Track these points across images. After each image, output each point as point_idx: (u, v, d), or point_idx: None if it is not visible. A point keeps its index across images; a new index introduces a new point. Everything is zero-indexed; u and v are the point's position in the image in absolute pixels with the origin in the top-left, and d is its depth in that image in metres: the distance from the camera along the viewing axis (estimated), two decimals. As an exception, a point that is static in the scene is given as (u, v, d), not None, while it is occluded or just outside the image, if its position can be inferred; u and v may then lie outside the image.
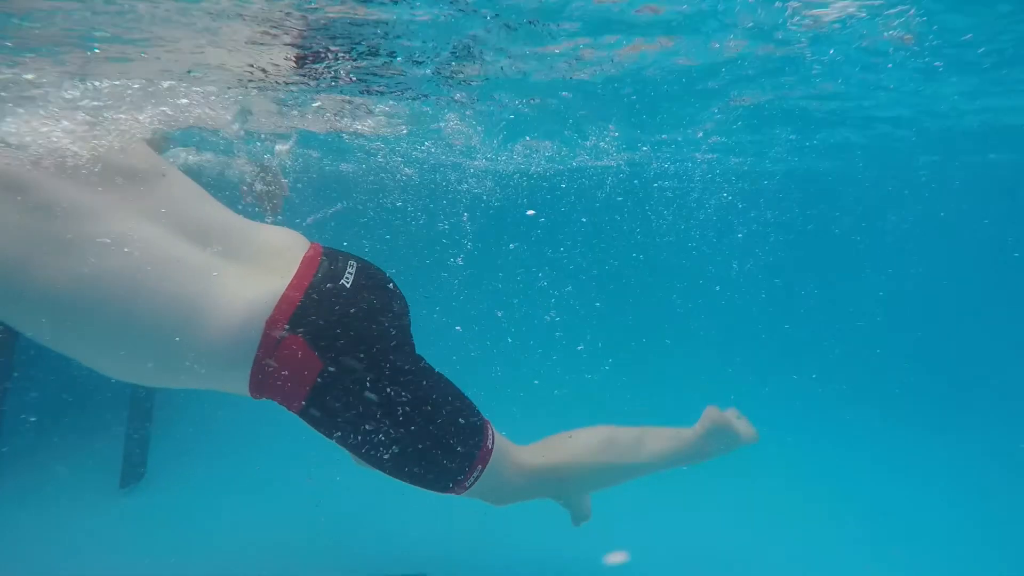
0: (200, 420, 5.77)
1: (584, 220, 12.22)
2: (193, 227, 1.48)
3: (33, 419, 4.95)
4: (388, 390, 1.56)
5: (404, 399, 1.58)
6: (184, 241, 1.45)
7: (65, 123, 2.10)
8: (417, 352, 1.76)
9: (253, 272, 1.50)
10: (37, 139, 1.44)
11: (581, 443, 2.04)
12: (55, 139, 1.45)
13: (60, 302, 1.28)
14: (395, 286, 1.78)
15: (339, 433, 1.56)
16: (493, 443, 1.80)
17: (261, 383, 1.48)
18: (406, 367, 1.62)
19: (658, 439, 2.17)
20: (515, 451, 1.91)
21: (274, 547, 3.74)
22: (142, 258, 1.34)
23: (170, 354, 1.40)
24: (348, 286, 1.56)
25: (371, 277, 1.67)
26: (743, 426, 2.39)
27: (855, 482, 5.32)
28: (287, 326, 1.43)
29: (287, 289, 1.47)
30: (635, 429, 2.13)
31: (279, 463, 4.94)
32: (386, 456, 1.61)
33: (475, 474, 1.74)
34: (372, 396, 1.53)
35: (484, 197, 8.42)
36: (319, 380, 1.46)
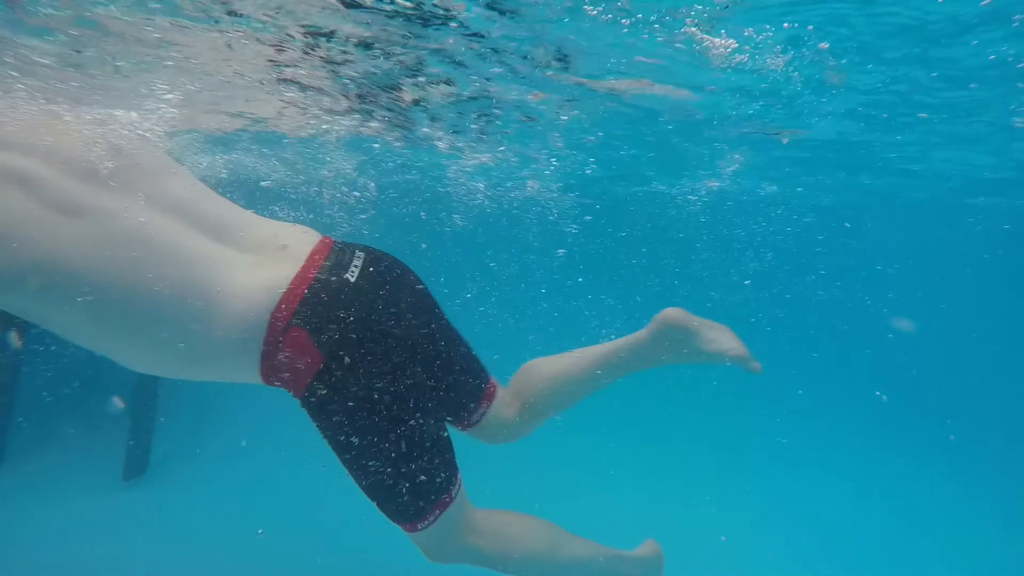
0: (203, 417, 5.84)
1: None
2: (205, 221, 1.53)
3: (41, 411, 5.02)
4: (381, 394, 1.52)
5: (393, 411, 1.54)
6: (197, 234, 1.49)
7: (90, 123, 2.19)
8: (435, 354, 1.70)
9: (262, 264, 1.52)
10: (60, 138, 1.47)
11: (530, 533, 1.95)
12: (77, 139, 1.49)
13: (83, 295, 1.32)
14: (408, 277, 1.73)
15: (329, 430, 1.56)
16: (456, 493, 1.75)
17: (269, 373, 1.50)
18: (404, 374, 1.57)
19: (600, 555, 2.06)
20: (470, 509, 1.86)
21: (267, 545, 3.79)
22: (157, 250, 1.39)
23: (183, 343, 1.43)
24: (352, 280, 1.55)
25: (379, 269, 1.64)
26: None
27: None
28: (291, 319, 1.45)
29: (292, 281, 1.49)
30: (581, 542, 2.03)
31: (280, 462, 4.99)
32: (362, 467, 1.58)
33: (432, 517, 1.69)
34: (363, 398, 1.50)
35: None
36: (317, 375, 1.47)
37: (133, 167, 1.49)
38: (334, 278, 1.53)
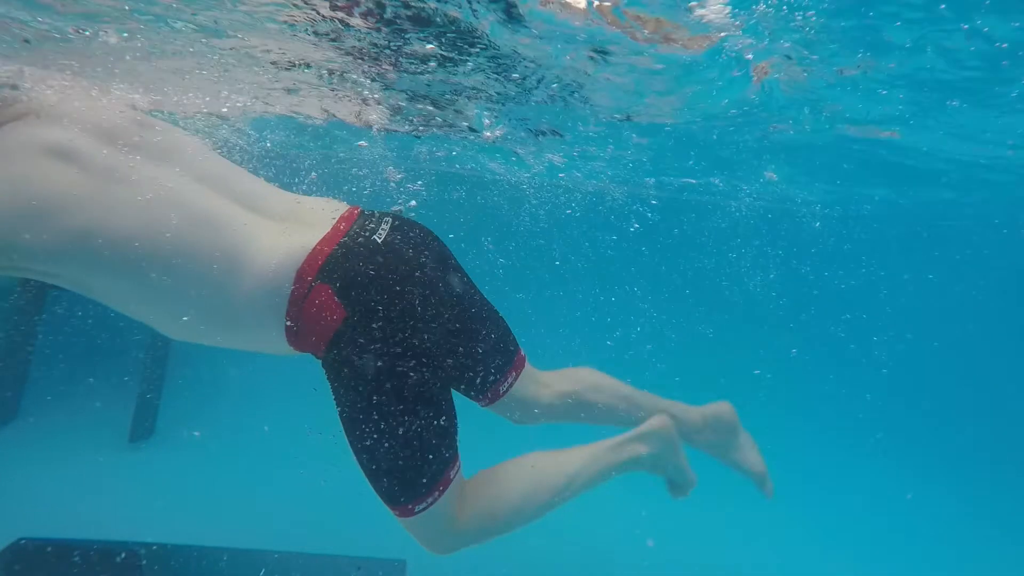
0: (211, 385, 6.01)
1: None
2: (237, 192, 1.62)
3: (55, 371, 5.22)
4: (401, 355, 1.52)
5: (411, 374, 1.55)
6: (230, 203, 1.58)
7: (136, 101, 2.31)
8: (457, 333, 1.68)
9: (291, 229, 1.59)
10: (111, 116, 1.59)
11: (516, 479, 1.84)
12: (116, 114, 1.61)
13: (124, 259, 1.41)
14: (435, 242, 1.75)
15: (344, 391, 1.55)
16: (455, 475, 1.68)
17: (295, 333, 1.53)
18: (426, 334, 1.58)
19: (594, 452, 1.93)
20: (463, 493, 1.76)
21: (265, 513, 3.95)
22: (193, 215, 1.48)
23: (217, 302, 1.49)
24: (379, 241, 1.59)
25: (406, 231, 1.68)
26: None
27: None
28: (316, 276, 1.50)
29: (319, 242, 1.54)
30: (569, 454, 1.91)
31: (283, 433, 5.14)
32: (369, 435, 1.56)
33: (431, 499, 1.62)
34: (383, 356, 1.51)
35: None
36: (338, 330, 1.50)
37: (167, 141, 1.60)
38: (360, 239, 1.58)
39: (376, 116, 3.75)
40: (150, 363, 4.86)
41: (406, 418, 1.55)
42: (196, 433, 4.97)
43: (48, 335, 5.00)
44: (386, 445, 1.56)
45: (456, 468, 1.71)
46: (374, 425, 1.55)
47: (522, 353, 1.98)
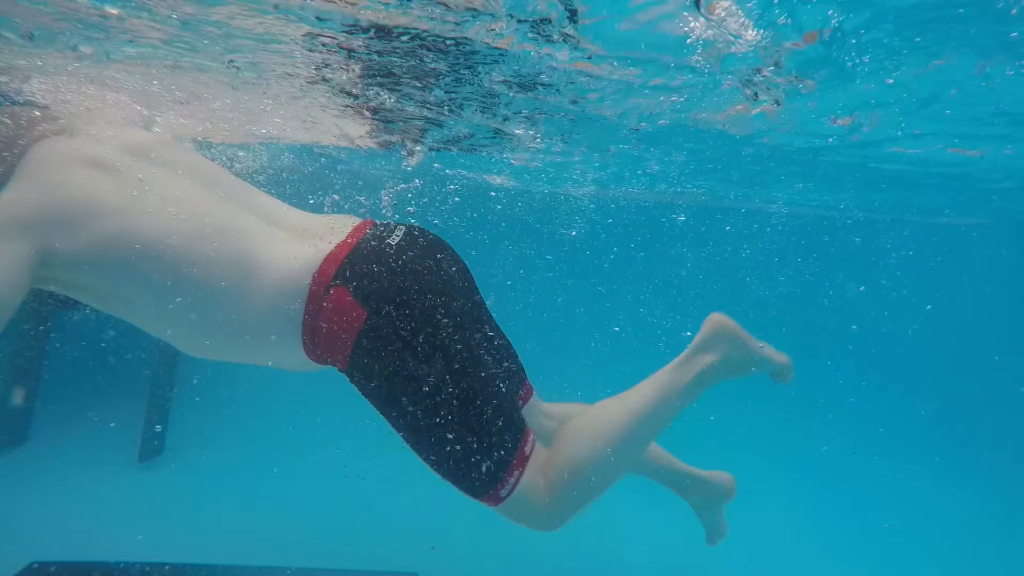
0: (220, 404, 6.01)
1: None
2: (256, 206, 1.71)
3: (64, 393, 5.22)
4: (429, 349, 1.51)
5: (446, 368, 1.53)
6: (248, 215, 1.65)
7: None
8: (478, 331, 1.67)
9: (307, 238, 1.64)
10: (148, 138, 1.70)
11: (576, 432, 1.78)
12: (146, 133, 1.74)
13: (153, 266, 1.45)
14: (450, 249, 1.77)
15: (379, 397, 1.54)
16: (531, 449, 1.64)
17: (312, 339, 1.54)
18: (453, 332, 1.57)
19: (659, 379, 1.83)
20: (546, 458, 1.70)
21: (277, 529, 3.93)
22: (215, 224, 1.54)
23: (235, 311, 1.51)
24: (394, 244, 1.62)
25: (420, 238, 1.70)
26: (768, 350, 1.91)
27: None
28: (332, 279, 1.52)
29: (335, 248, 1.58)
30: (631, 396, 1.82)
31: (291, 451, 5.12)
32: (421, 436, 1.54)
33: (512, 480, 1.58)
34: (410, 354, 1.50)
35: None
36: (361, 332, 1.50)
37: (190, 160, 1.70)
38: (374, 242, 1.62)
39: (419, 156, 3.82)
40: (158, 381, 4.86)
41: (453, 407, 1.53)
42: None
43: (56, 356, 5.01)
44: (448, 442, 1.53)
45: (531, 442, 1.66)
46: (424, 423, 1.52)
47: (529, 382, 1.98)
